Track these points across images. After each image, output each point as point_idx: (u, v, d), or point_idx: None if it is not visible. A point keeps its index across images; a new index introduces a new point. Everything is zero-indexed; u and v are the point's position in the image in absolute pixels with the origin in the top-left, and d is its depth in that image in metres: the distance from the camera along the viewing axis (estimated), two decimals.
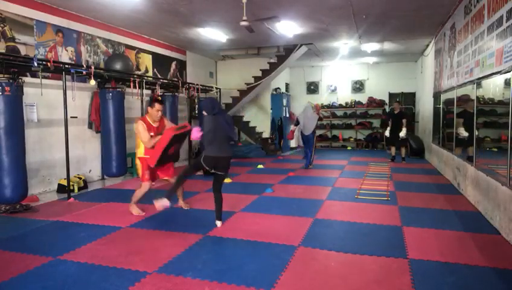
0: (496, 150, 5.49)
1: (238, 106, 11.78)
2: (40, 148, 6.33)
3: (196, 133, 4.35)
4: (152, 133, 4.77)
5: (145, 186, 4.95)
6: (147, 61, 9.36)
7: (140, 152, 4.90)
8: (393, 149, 10.21)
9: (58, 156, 6.54)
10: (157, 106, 4.84)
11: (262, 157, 11.37)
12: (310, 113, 8.85)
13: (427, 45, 10.55)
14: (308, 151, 9.01)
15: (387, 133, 10.04)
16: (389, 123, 9.99)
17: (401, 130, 9.61)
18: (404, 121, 9.66)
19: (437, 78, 8.90)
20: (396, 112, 9.94)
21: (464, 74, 6.01)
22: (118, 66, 7.47)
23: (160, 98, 5.79)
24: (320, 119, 9.53)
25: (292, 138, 10.07)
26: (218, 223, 4.43)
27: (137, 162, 4.99)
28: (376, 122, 13.99)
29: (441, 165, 8.29)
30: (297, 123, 9.04)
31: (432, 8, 6.96)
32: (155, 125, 4.90)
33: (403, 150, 10.05)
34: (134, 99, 7.89)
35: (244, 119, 12.81)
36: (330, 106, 14.76)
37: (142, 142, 4.78)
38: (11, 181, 4.96)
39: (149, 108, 4.91)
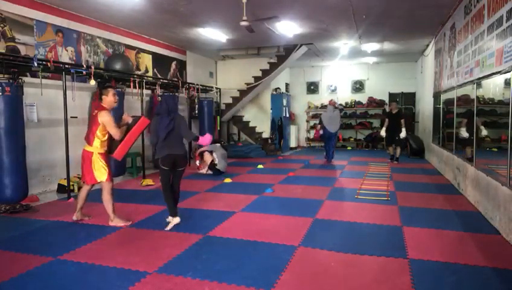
0: (496, 150, 5.48)
1: (238, 106, 11.79)
2: (40, 148, 6.33)
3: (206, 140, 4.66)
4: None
5: (111, 185, 4.50)
6: (147, 61, 9.36)
7: (100, 148, 4.41)
8: (391, 149, 10.21)
9: (58, 156, 6.53)
10: (113, 92, 4.51)
11: (262, 157, 11.37)
12: (331, 112, 9.92)
13: (427, 45, 10.55)
14: (330, 147, 9.97)
15: (382, 132, 10.03)
16: (386, 123, 9.96)
17: (400, 130, 9.59)
18: (402, 121, 9.63)
19: (437, 78, 8.90)
20: (394, 112, 9.91)
21: (464, 74, 6.01)
22: (118, 66, 7.47)
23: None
24: (341, 110, 10.44)
25: (318, 137, 10.72)
26: (174, 219, 4.42)
27: (95, 159, 4.37)
28: (376, 122, 13.99)
29: (441, 165, 8.29)
30: (320, 122, 10.10)
31: (432, 8, 6.96)
32: None
33: (398, 150, 10.03)
34: (134, 99, 7.90)
35: (244, 119, 12.81)
36: None
37: (112, 133, 4.34)
38: (11, 181, 4.96)
39: (104, 96, 4.48)
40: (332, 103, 10.80)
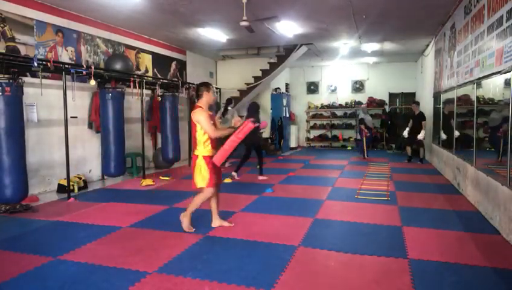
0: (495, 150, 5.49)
1: (238, 106, 11.77)
2: (40, 148, 6.33)
3: (264, 124, 4.36)
4: (212, 122, 4.12)
5: (210, 192, 4.18)
6: (147, 61, 9.36)
7: (203, 149, 4.12)
8: (409, 149, 10.14)
9: (58, 156, 6.54)
10: (212, 89, 4.21)
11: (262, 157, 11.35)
12: (363, 114, 11.22)
13: (427, 45, 10.54)
14: (363, 145, 11.02)
15: (405, 133, 9.93)
16: (410, 123, 9.86)
17: (419, 132, 9.52)
18: (423, 123, 9.53)
19: (437, 78, 8.90)
20: (416, 113, 9.78)
21: (464, 74, 6.01)
22: (118, 66, 7.47)
23: None
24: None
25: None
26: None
27: (199, 162, 4.12)
28: (376, 122, 13.98)
29: (441, 165, 8.29)
30: (361, 122, 11.13)
31: (432, 8, 6.96)
32: (210, 113, 4.23)
33: (422, 151, 9.96)
34: (134, 99, 7.90)
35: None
36: (330, 106, 14.76)
37: (206, 131, 4.03)
38: (11, 181, 4.96)
39: (205, 92, 4.18)
40: (364, 109, 11.51)
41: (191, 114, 4.17)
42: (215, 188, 4.21)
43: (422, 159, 9.98)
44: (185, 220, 4.26)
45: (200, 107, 4.15)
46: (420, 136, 9.52)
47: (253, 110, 7.41)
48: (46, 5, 6.48)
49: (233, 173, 7.66)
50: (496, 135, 5.42)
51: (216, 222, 4.43)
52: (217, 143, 4.21)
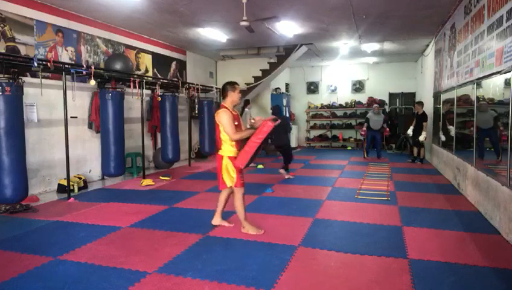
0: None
1: (238, 106, 11.76)
2: (40, 148, 6.33)
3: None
4: (236, 123, 4.08)
5: (241, 191, 4.15)
6: (147, 61, 9.36)
7: (228, 150, 4.09)
8: (415, 150, 10.07)
9: (58, 156, 6.54)
10: (238, 88, 4.16)
11: (262, 157, 11.36)
12: (371, 114, 10.94)
13: (427, 45, 10.55)
14: (376, 145, 10.94)
15: (410, 131, 9.84)
16: (414, 123, 9.78)
17: (420, 133, 9.45)
18: (424, 124, 9.41)
19: (437, 78, 8.90)
20: (419, 113, 9.66)
21: (464, 74, 6.01)
22: (118, 66, 7.47)
23: None
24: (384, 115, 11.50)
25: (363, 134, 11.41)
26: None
27: (226, 162, 4.08)
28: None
29: (440, 165, 8.29)
30: (366, 121, 11.04)
31: (432, 8, 6.96)
32: (235, 113, 4.14)
33: (422, 151, 9.91)
34: (134, 99, 7.90)
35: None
36: (330, 106, 14.76)
37: (227, 133, 3.99)
38: (11, 181, 4.95)
39: (230, 92, 4.13)
40: (375, 109, 11.39)
41: (215, 114, 4.13)
42: (243, 187, 4.15)
43: (423, 159, 9.98)
44: (247, 228, 4.15)
45: (225, 107, 4.10)
46: (421, 138, 9.44)
47: (276, 113, 7.95)
48: (46, 5, 6.48)
49: (282, 171, 7.92)
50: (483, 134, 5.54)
51: (217, 220, 4.43)
52: (241, 143, 4.15)
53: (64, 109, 5.87)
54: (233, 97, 4.15)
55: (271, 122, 3.95)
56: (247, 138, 4.05)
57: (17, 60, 5.51)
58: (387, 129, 11.11)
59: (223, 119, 3.98)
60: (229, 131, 3.97)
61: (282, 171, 7.92)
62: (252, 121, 4.22)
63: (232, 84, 4.19)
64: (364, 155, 11.10)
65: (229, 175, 4.07)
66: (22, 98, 5.16)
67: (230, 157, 4.07)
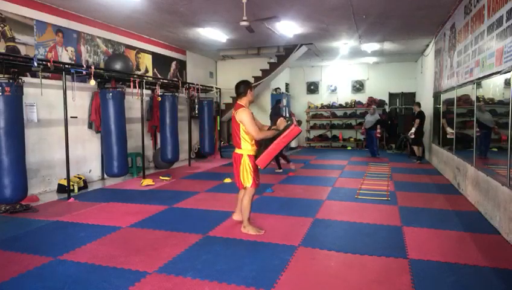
0: (495, 150, 5.49)
1: None
2: (40, 148, 6.33)
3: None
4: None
5: (253, 192, 4.17)
6: (147, 61, 9.36)
7: (247, 148, 4.07)
8: (417, 150, 10.10)
9: (58, 156, 6.54)
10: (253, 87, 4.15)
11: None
12: (368, 115, 11.52)
13: (427, 45, 10.54)
14: (373, 146, 11.34)
15: (413, 130, 9.86)
16: (416, 123, 9.83)
17: (420, 132, 9.64)
18: (416, 121, 9.68)
19: (437, 78, 8.90)
20: (416, 113, 9.89)
21: (464, 74, 6.01)
22: (118, 66, 7.47)
23: None
24: (380, 115, 12.01)
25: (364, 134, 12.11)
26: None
27: (245, 161, 4.08)
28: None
29: (440, 165, 8.29)
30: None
31: (432, 8, 6.96)
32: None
33: (419, 150, 10.01)
34: (134, 99, 7.90)
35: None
36: (330, 106, 14.76)
37: (250, 131, 3.96)
38: (11, 181, 4.96)
39: (249, 91, 4.13)
40: (372, 110, 11.67)
41: (233, 112, 4.13)
42: (256, 188, 4.18)
43: (421, 158, 10.01)
44: (248, 228, 4.16)
45: (242, 106, 4.10)
46: (409, 133, 9.76)
47: (277, 113, 8.08)
48: (46, 5, 6.48)
49: (291, 166, 8.50)
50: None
51: (238, 215, 4.48)
52: (260, 142, 4.16)
53: (64, 109, 5.87)
54: (250, 96, 4.18)
55: (297, 126, 4.02)
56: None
57: (17, 60, 5.52)
58: (379, 131, 11.22)
59: (245, 118, 3.97)
60: (252, 130, 3.96)
61: (290, 166, 8.47)
62: (278, 122, 4.21)
63: (249, 83, 4.23)
64: (371, 154, 11.42)
65: (247, 175, 4.08)
66: (21, 98, 5.16)
67: (249, 156, 4.07)
